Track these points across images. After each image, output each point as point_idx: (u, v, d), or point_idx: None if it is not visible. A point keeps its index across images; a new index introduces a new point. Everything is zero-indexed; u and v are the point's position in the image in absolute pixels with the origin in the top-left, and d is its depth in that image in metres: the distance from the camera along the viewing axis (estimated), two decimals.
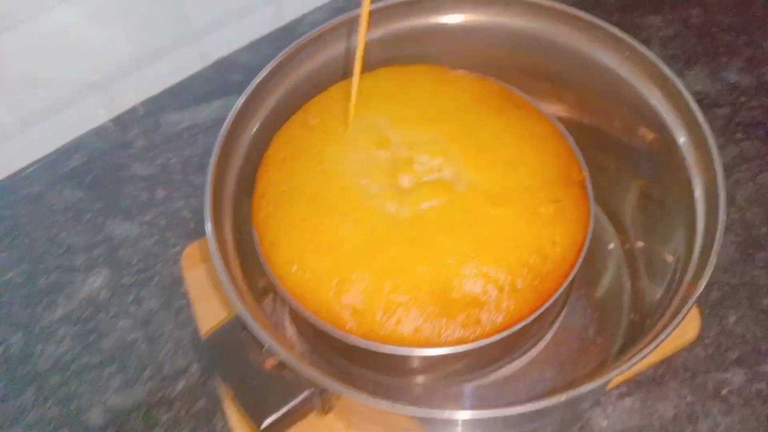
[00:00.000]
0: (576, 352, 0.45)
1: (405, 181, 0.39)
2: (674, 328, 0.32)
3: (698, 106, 0.37)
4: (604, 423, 0.45)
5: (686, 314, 0.33)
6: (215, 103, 0.63)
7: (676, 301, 0.35)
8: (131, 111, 0.63)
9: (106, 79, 0.60)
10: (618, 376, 0.33)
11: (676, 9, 0.64)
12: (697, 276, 0.34)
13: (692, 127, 0.38)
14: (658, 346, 0.32)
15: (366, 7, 0.34)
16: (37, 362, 0.51)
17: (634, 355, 0.33)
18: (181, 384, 0.49)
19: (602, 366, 0.43)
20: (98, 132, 0.62)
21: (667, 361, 0.47)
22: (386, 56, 0.45)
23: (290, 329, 0.47)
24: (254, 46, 0.66)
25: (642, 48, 0.40)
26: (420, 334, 0.35)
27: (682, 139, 0.39)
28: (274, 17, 0.67)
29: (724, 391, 0.46)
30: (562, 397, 0.32)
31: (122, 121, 0.62)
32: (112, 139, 0.61)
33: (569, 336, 0.46)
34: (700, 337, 0.47)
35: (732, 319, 0.48)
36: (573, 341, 0.46)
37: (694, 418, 0.45)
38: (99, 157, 0.61)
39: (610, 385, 0.46)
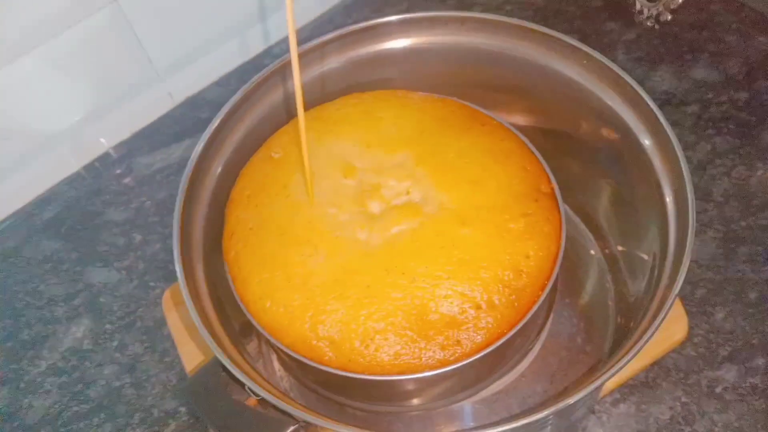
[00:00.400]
0: (565, 362, 0.45)
1: (374, 207, 0.39)
2: (655, 330, 0.32)
3: (658, 107, 0.37)
4: (600, 431, 0.44)
5: (666, 314, 0.33)
6: (186, 141, 0.63)
7: (656, 302, 0.35)
8: (103, 157, 0.63)
9: (75, 127, 0.60)
10: (605, 383, 0.32)
11: (636, 12, 0.65)
12: (674, 274, 0.34)
13: (655, 128, 0.38)
14: (641, 349, 0.32)
15: (294, 53, 0.33)
16: (26, 416, 0.50)
17: (618, 362, 0.32)
18: (171, 427, 0.48)
19: (592, 374, 0.42)
20: (71, 180, 0.62)
21: (657, 364, 0.46)
22: (346, 84, 0.45)
23: (276, 365, 0.46)
24: (222, 81, 0.67)
25: (597, 55, 0.40)
26: (400, 359, 0.35)
27: (646, 142, 0.39)
28: (238, 52, 0.67)
29: (718, 389, 0.45)
30: (548, 411, 0.31)
31: (94, 168, 0.62)
32: (86, 186, 0.61)
33: (557, 346, 0.46)
34: (689, 337, 0.47)
35: (720, 315, 0.48)
36: (561, 351, 0.45)
37: (690, 418, 0.44)
38: (73, 205, 0.60)
39: (603, 392, 0.45)
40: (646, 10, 0.35)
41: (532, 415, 0.31)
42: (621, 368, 0.33)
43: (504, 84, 0.46)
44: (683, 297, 0.48)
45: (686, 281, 0.49)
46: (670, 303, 0.34)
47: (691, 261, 0.50)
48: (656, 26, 0.35)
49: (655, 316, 0.34)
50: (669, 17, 0.34)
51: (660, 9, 0.34)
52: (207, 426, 0.36)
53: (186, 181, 0.38)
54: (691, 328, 0.47)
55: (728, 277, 0.49)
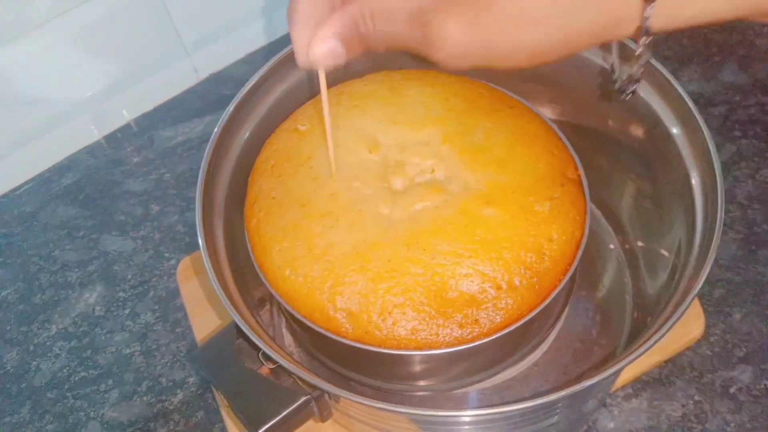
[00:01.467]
0: (579, 354, 0.45)
1: (397, 183, 0.39)
2: (676, 321, 0.32)
3: (690, 98, 0.37)
4: (611, 425, 0.44)
5: (688, 307, 0.32)
6: (208, 117, 0.63)
7: (677, 296, 0.35)
8: (124, 128, 0.63)
9: (98, 97, 0.60)
10: (618, 373, 0.32)
11: None
12: (698, 267, 0.34)
13: (685, 119, 0.38)
14: (659, 339, 0.32)
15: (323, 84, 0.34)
16: (33, 378, 0.50)
17: (635, 351, 0.32)
18: (178, 396, 0.48)
19: (605, 364, 0.42)
20: (91, 149, 0.62)
21: (672, 361, 0.46)
22: (376, 62, 0.45)
23: (288, 339, 0.46)
24: (248, 59, 0.67)
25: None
26: (417, 335, 0.34)
27: (676, 132, 0.38)
28: (266, 31, 0.67)
29: (732, 389, 0.45)
30: (560, 394, 0.31)
31: (115, 138, 0.62)
32: (106, 156, 0.61)
33: (571, 338, 0.45)
34: (705, 336, 0.46)
35: (737, 316, 0.47)
36: (575, 343, 0.45)
37: (703, 417, 0.44)
38: (92, 174, 0.60)
39: (616, 387, 0.45)
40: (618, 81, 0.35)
41: (540, 398, 0.31)
42: (634, 359, 0.32)
43: (533, 73, 0.45)
44: (701, 296, 0.47)
45: (705, 281, 0.49)
46: (692, 297, 0.33)
47: None
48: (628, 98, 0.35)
49: (674, 311, 0.33)
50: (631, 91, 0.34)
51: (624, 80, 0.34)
52: (218, 392, 0.36)
53: (212, 145, 0.38)
54: (707, 327, 0.46)
55: (747, 278, 0.49)
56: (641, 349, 0.32)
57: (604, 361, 0.44)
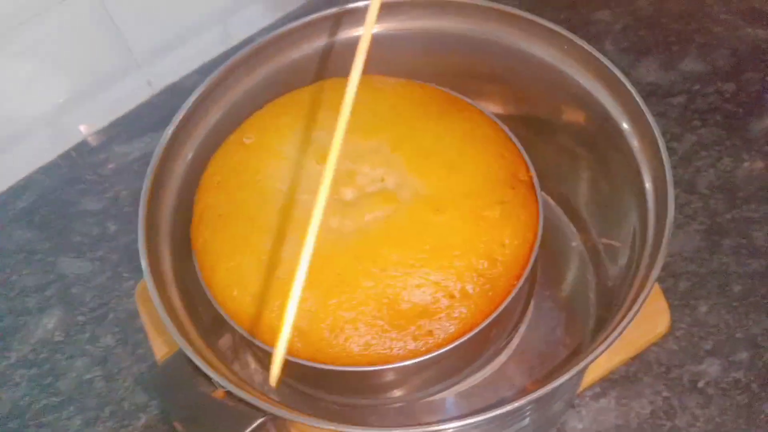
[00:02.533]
0: (545, 354, 0.44)
1: (347, 194, 0.38)
2: (634, 315, 0.31)
3: (638, 92, 0.36)
4: (580, 426, 0.43)
5: (645, 299, 0.32)
6: (165, 131, 0.62)
7: (635, 290, 0.34)
8: (80, 145, 0.62)
9: (52, 114, 0.59)
10: (581, 370, 0.31)
11: (624, 2, 0.64)
12: (653, 256, 0.33)
13: (634, 113, 0.37)
14: (620, 335, 0.31)
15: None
16: None
17: (594, 350, 0.31)
18: (142, 420, 0.47)
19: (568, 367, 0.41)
20: (47, 169, 0.61)
21: (639, 357, 0.45)
22: (322, 70, 0.44)
23: (251, 360, 0.45)
24: (203, 69, 0.65)
25: (578, 40, 0.39)
26: (370, 350, 0.33)
27: (626, 127, 0.38)
28: (220, 40, 0.66)
29: (700, 384, 0.44)
30: (520, 402, 0.30)
31: (71, 156, 0.61)
32: (61, 175, 0.60)
33: (537, 339, 0.45)
34: (671, 330, 0.46)
35: (703, 309, 0.47)
36: (541, 344, 0.45)
37: (672, 413, 0.43)
38: (48, 194, 0.59)
39: (583, 387, 0.44)
40: None
41: (507, 405, 0.31)
42: (598, 356, 0.32)
43: (484, 71, 0.45)
44: (666, 290, 0.47)
45: (669, 274, 0.48)
46: (648, 290, 0.33)
47: (674, 254, 0.49)
48: None
49: (632, 304, 0.33)
50: None
51: None
52: (172, 418, 0.35)
53: (153, 167, 0.38)
54: (673, 321, 0.46)
55: (712, 269, 0.48)
56: (601, 347, 0.31)
57: (568, 360, 0.43)
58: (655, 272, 0.33)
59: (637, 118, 0.37)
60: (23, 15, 0.52)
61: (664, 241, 0.34)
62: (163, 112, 0.62)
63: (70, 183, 0.59)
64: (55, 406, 0.49)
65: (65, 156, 0.61)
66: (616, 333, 0.32)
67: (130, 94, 0.63)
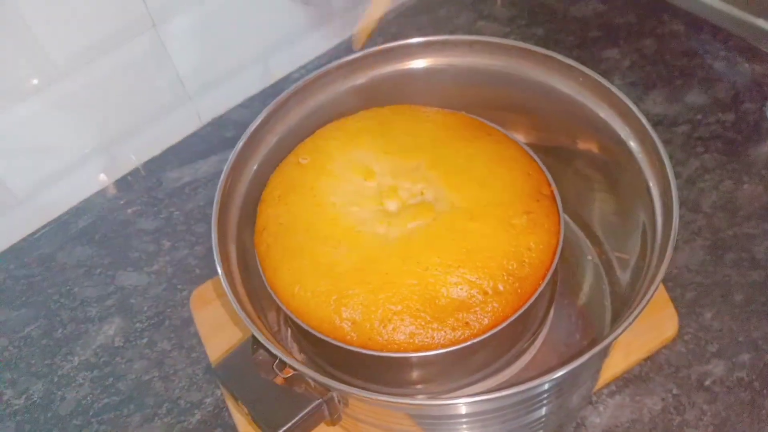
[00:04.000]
0: (565, 356, 0.49)
1: (391, 206, 0.43)
2: (643, 308, 0.36)
3: (645, 116, 0.42)
4: (598, 420, 0.48)
5: (653, 295, 0.36)
6: (212, 158, 0.68)
7: (642, 291, 0.39)
8: (133, 172, 0.68)
9: (108, 144, 0.65)
10: (594, 356, 0.36)
11: (631, 41, 0.70)
12: (660, 258, 0.38)
13: (643, 136, 0.42)
14: (630, 325, 0.36)
15: None
16: (59, 407, 0.53)
17: (608, 336, 0.36)
18: (196, 416, 0.51)
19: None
20: (104, 193, 0.66)
21: (650, 359, 0.50)
22: (365, 101, 0.50)
23: (294, 351, 0.50)
24: (246, 104, 0.72)
25: (592, 73, 0.45)
26: (414, 339, 0.38)
27: (636, 148, 0.43)
28: (262, 76, 0.72)
29: (707, 382, 0.49)
30: (552, 376, 0.35)
31: (126, 182, 0.67)
32: (118, 198, 0.66)
33: (557, 342, 0.49)
34: (679, 335, 0.50)
35: (708, 315, 0.52)
36: (561, 347, 0.49)
37: (681, 408, 0.48)
38: (106, 215, 0.65)
39: (600, 385, 0.49)
40: None
41: (524, 384, 0.35)
42: (608, 344, 0.36)
43: (508, 102, 0.50)
44: (674, 298, 0.52)
45: (677, 285, 0.53)
46: (656, 286, 0.37)
47: (681, 266, 0.54)
48: None
49: (640, 301, 0.37)
50: None
51: None
52: (238, 402, 0.40)
53: (224, 179, 0.43)
54: (681, 327, 0.51)
55: (716, 280, 0.53)
56: (613, 335, 0.36)
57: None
58: (662, 271, 0.37)
59: (645, 140, 0.43)
60: (90, 53, 0.58)
61: (669, 246, 0.38)
62: (210, 141, 0.69)
63: (126, 205, 0.65)
64: (116, 405, 0.53)
65: (122, 180, 0.67)
66: (629, 320, 0.36)
67: (181, 125, 0.69)
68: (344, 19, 0.74)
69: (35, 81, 0.57)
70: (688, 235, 0.56)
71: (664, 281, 0.53)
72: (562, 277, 0.52)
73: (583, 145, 0.49)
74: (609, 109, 0.45)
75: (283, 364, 0.39)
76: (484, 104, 0.50)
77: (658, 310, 0.50)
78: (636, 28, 0.71)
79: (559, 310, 0.51)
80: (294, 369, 0.37)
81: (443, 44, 0.49)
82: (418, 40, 0.49)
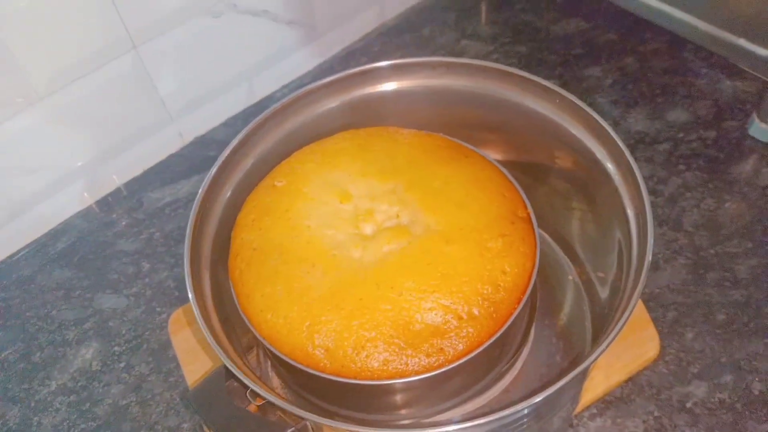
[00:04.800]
0: (546, 377, 0.48)
1: (367, 229, 0.43)
2: (622, 326, 0.35)
3: (620, 138, 0.42)
4: None
5: (627, 318, 0.36)
6: (194, 178, 0.68)
7: (621, 309, 0.38)
8: (114, 192, 0.67)
9: (89, 165, 0.65)
10: (575, 377, 0.35)
11: (613, 59, 0.70)
12: (638, 273, 0.38)
13: (618, 157, 0.42)
14: (610, 343, 0.35)
15: None
16: None
17: (587, 358, 0.36)
18: None
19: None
20: (84, 214, 0.66)
21: (632, 380, 0.49)
22: (343, 123, 0.49)
23: (275, 379, 0.49)
24: (229, 122, 0.71)
25: (568, 95, 0.45)
26: (388, 365, 0.38)
27: (612, 169, 0.43)
28: (246, 95, 0.72)
29: (688, 404, 0.48)
30: (531, 401, 0.34)
31: (107, 202, 0.66)
32: (98, 219, 0.65)
33: (538, 364, 0.49)
34: (661, 356, 0.50)
35: (689, 335, 0.51)
36: (542, 368, 0.49)
37: (663, 431, 0.47)
38: (86, 237, 0.64)
39: (580, 408, 0.48)
40: None
41: (506, 409, 0.35)
42: (586, 367, 0.36)
43: (486, 122, 0.50)
44: (655, 319, 0.51)
45: (658, 305, 0.53)
46: (635, 300, 0.37)
47: (662, 286, 0.54)
48: None
49: (622, 314, 0.37)
50: None
51: None
52: (211, 431, 0.39)
53: (198, 204, 0.43)
54: (662, 347, 0.50)
55: (698, 300, 0.53)
56: (593, 355, 0.35)
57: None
58: (640, 286, 0.37)
59: (621, 162, 0.42)
60: (70, 73, 0.58)
61: (645, 265, 0.38)
62: (192, 161, 0.69)
63: (106, 226, 0.65)
64: (93, 431, 0.52)
65: (102, 202, 0.66)
66: (607, 341, 0.36)
67: (163, 145, 0.69)
68: (328, 38, 0.74)
69: (16, 101, 0.56)
70: (670, 254, 0.55)
71: (645, 301, 0.53)
72: (542, 297, 0.51)
73: (560, 163, 0.49)
74: (586, 130, 0.45)
75: (255, 392, 0.39)
76: (460, 123, 0.50)
77: (638, 330, 0.50)
78: (618, 46, 0.72)
79: (540, 331, 0.50)
80: (264, 399, 0.36)
81: (420, 65, 0.49)
82: (394, 62, 0.48)
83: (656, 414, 0.48)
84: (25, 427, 0.53)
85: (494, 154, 0.49)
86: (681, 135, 0.63)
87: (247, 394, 0.40)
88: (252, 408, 0.40)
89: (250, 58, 0.70)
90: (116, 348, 0.57)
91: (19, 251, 0.64)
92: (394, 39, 0.76)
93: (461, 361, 0.38)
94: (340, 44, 0.76)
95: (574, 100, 0.45)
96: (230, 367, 0.37)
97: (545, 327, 0.50)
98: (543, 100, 0.47)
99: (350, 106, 0.50)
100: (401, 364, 0.38)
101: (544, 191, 0.51)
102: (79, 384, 0.55)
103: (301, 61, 0.74)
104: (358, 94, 0.50)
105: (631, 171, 0.41)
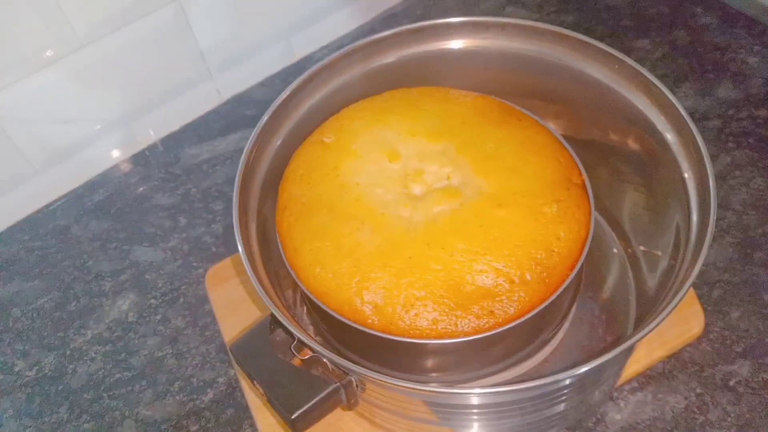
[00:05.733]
0: (587, 350, 0.47)
1: (417, 189, 0.42)
2: (675, 306, 0.35)
3: (681, 105, 0.40)
4: (618, 416, 0.47)
5: (685, 293, 0.35)
6: (231, 136, 0.67)
7: (674, 289, 0.38)
8: (151, 147, 0.67)
9: (126, 118, 0.64)
10: (624, 353, 0.35)
11: (663, 32, 0.68)
12: (693, 260, 0.37)
13: (680, 126, 0.41)
14: (660, 322, 0.34)
15: None
16: (70, 381, 0.53)
17: (636, 334, 0.35)
18: (209, 395, 0.51)
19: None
20: (121, 167, 0.66)
21: (674, 357, 0.49)
22: (396, 80, 0.48)
23: (310, 334, 0.49)
24: (267, 82, 0.70)
25: (628, 60, 0.43)
26: (437, 325, 0.37)
27: (672, 139, 0.42)
28: (284, 55, 0.71)
29: (731, 382, 0.47)
30: (574, 372, 0.34)
31: (143, 157, 0.66)
32: (135, 172, 0.65)
33: (579, 336, 0.48)
34: (705, 333, 0.49)
35: (735, 315, 0.50)
36: (583, 340, 0.48)
37: (705, 408, 0.46)
38: (122, 190, 0.64)
39: (622, 381, 0.47)
40: None
41: (552, 377, 0.34)
42: (636, 341, 0.35)
43: (540, 89, 0.49)
44: (700, 296, 0.50)
45: (704, 282, 0.52)
46: (689, 284, 0.36)
47: (708, 264, 0.53)
48: None
49: (672, 299, 0.36)
50: None
51: None
52: (254, 382, 0.39)
53: (247, 154, 0.42)
54: (707, 325, 0.49)
55: (744, 279, 0.52)
56: (643, 332, 0.34)
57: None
58: (695, 271, 0.36)
59: (683, 131, 0.41)
60: (111, 23, 0.57)
61: (706, 242, 0.37)
62: (230, 119, 0.68)
63: (143, 180, 0.64)
64: (128, 380, 0.53)
65: (139, 155, 0.66)
66: (656, 321, 0.35)
67: (201, 101, 0.68)
68: (369, 0, 0.73)
69: (56, 50, 0.56)
70: (717, 232, 0.54)
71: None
72: (586, 270, 0.51)
73: (615, 136, 0.48)
74: (645, 98, 0.44)
75: (301, 346, 0.39)
76: (515, 91, 0.49)
77: (684, 307, 0.49)
78: (668, 19, 0.70)
79: (582, 304, 0.49)
80: (313, 351, 0.36)
81: (475, 25, 0.48)
82: (452, 20, 0.47)
83: (698, 391, 0.47)
84: (60, 374, 0.54)
85: (548, 124, 0.48)
86: (731, 112, 0.62)
87: (291, 348, 0.39)
88: (296, 362, 0.39)
89: (290, 16, 0.68)
90: (152, 300, 0.57)
91: (55, 201, 0.64)
92: (438, 2, 0.74)
93: (511, 325, 0.37)
94: (382, 6, 0.75)
95: (634, 65, 0.43)
96: (279, 317, 0.36)
97: (588, 300, 0.50)
98: (601, 66, 0.45)
99: (401, 65, 0.49)
100: (450, 325, 0.37)
101: (595, 165, 0.49)
102: (115, 334, 0.55)
103: (341, 23, 0.73)
104: (409, 52, 0.49)
105: (693, 141, 0.40)
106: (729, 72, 0.64)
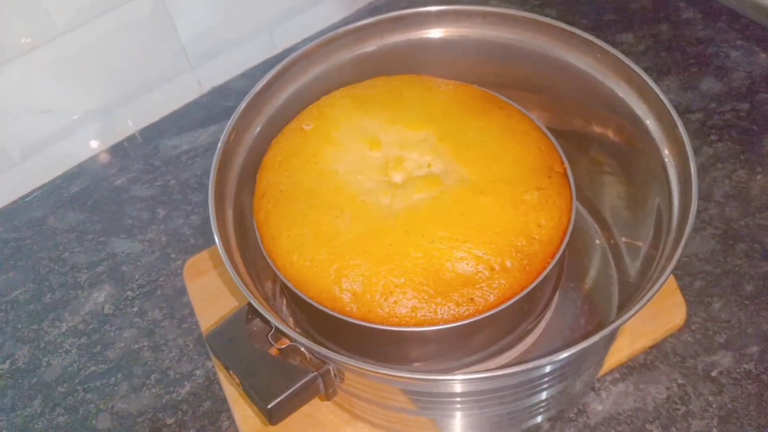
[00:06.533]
0: (568, 339, 0.47)
1: (397, 177, 0.42)
2: (656, 292, 0.34)
3: (662, 93, 0.40)
4: (600, 407, 0.46)
5: (665, 280, 0.35)
6: (211, 128, 0.66)
7: (655, 276, 0.37)
8: (130, 138, 0.66)
9: (105, 108, 0.63)
10: (600, 339, 0.34)
11: (646, 26, 0.68)
12: (674, 247, 0.36)
13: (660, 112, 0.41)
14: (641, 308, 0.34)
15: None
16: (44, 374, 0.52)
17: (617, 320, 0.34)
18: (186, 388, 0.50)
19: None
20: (98, 158, 0.65)
21: (656, 347, 0.48)
22: (377, 68, 0.48)
23: (290, 323, 0.48)
24: (248, 73, 0.70)
25: (611, 49, 0.43)
26: (417, 313, 0.37)
27: (652, 125, 0.41)
28: (266, 47, 0.70)
29: (713, 373, 0.47)
30: (554, 357, 0.33)
31: (122, 148, 0.65)
32: (113, 164, 0.64)
33: (561, 326, 0.48)
34: (687, 324, 0.49)
35: (717, 305, 0.50)
36: (565, 330, 0.48)
37: (686, 399, 0.46)
38: (100, 181, 0.63)
39: (603, 371, 0.47)
40: None
41: (532, 362, 0.33)
42: (615, 329, 0.34)
43: (521, 79, 0.49)
44: (682, 287, 0.50)
45: (686, 273, 0.52)
46: (669, 271, 0.35)
47: (690, 255, 0.52)
48: None
49: (653, 286, 0.36)
50: None
51: None
52: (230, 372, 0.38)
53: (223, 143, 0.41)
54: (689, 316, 0.49)
55: (726, 270, 0.51)
56: (623, 318, 0.34)
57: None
58: (675, 259, 0.35)
59: (663, 118, 0.41)
60: (90, 11, 0.56)
61: (687, 229, 0.37)
62: (211, 110, 0.67)
63: (121, 171, 0.63)
64: (103, 373, 0.52)
65: (117, 146, 0.65)
66: (638, 306, 0.34)
67: (181, 93, 0.67)
68: None
69: (33, 39, 0.55)
70: (699, 223, 0.54)
71: (673, 269, 0.52)
72: (568, 260, 0.50)
73: (597, 126, 0.48)
74: (626, 86, 0.43)
75: (278, 335, 0.38)
76: (497, 80, 0.49)
77: (665, 297, 0.49)
78: (651, 13, 0.70)
79: (565, 294, 0.49)
80: (290, 339, 0.35)
81: (457, 14, 0.47)
82: (433, 9, 0.47)
83: (680, 381, 0.47)
84: (34, 367, 0.52)
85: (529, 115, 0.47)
86: (713, 105, 0.62)
87: (269, 337, 0.39)
88: (273, 351, 0.39)
89: (272, 7, 0.68)
90: (129, 293, 0.56)
91: (31, 192, 0.63)
92: None
93: (491, 312, 0.37)
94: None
95: (615, 53, 0.43)
96: (256, 305, 0.36)
97: (570, 290, 0.49)
98: (583, 54, 0.45)
99: (382, 54, 0.48)
100: (430, 312, 0.37)
101: (576, 156, 0.49)
102: (91, 327, 0.54)
103: (325, 15, 0.72)
104: (391, 41, 0.48)
105: (673, 124, 0.39)
106: (712, 66, 0.65)
